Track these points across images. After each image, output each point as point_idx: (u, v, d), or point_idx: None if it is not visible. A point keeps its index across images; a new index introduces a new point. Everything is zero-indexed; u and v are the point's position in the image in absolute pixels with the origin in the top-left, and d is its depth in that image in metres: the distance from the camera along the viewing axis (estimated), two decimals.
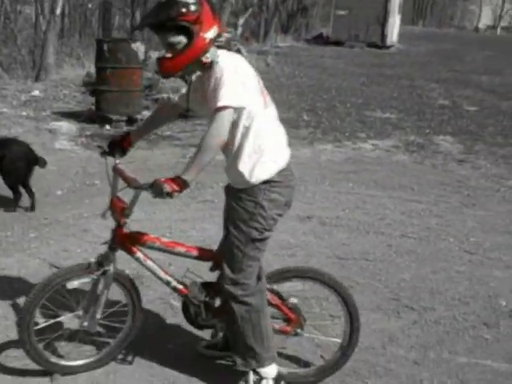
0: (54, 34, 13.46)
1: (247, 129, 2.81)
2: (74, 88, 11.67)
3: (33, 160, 5.96)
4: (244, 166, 2.85)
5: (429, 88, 14.93)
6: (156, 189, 2.64)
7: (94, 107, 9.60)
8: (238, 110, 2.71)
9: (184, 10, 2.66)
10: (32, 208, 5.85)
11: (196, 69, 2.82)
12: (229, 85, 2.64)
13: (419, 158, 8.92)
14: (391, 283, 4.57)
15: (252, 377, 3.10)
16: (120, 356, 3.38)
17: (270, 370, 3.09)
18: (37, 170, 6.88)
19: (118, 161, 3.06)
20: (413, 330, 3.95)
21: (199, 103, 2.96)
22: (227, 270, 2.95)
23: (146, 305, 3.94)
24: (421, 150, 9.31)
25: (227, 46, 2.88)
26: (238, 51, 16.54)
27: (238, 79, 2.68)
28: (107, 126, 9.03)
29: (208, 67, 2.76)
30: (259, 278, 3.04)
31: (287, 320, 3.29)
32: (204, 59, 2.74)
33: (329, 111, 11.71)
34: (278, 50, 20.34)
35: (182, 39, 2.70)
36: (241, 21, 20.65)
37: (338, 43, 23.83)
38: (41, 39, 14.03)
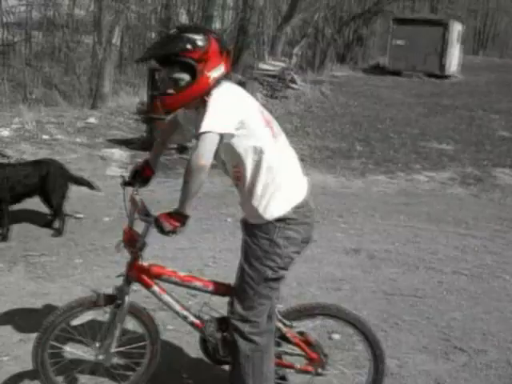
0: (111, 63, 13.80)
1: (258, 163, 2.70)
2: (128, 116, 11.87)
3: (71, 179, 6.05)
4: (257, 202, 2.75)
5: (488, 119, 14.54)
6: (158, 226, 2.60)
7: (145, 135, 9.71)
8: (222, 136, 2.57)
9: (189, 46, 2.58)
10: (60, 231, 5.88)
11: (197, 105, 2.74)
12: (214, 112, 2.55)
13: (476, 191, 8.63)
14: (440, 322, 4.35)
15: None
16: None
17: None
18: (87, 196, 6.99)
19: (135, 191, 2.99)
20: (462, 373, 3.73)
21: (188, 125, 2.91)
22: (237, 306, 2.84)
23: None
24: (478, 183, 9.02)
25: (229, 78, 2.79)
26: (293, 80, 16.58)
27: (226, 106, 2.59)
28: None
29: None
30: (270, 318, 2.92)
31: (309, 359, 3.15)
32: (205, 98, 2.66)
33: (383, 142, 11.53)
34: (334, 79, 20.27)
35: (185, 76, 2.63)
36: (296, 50, 20.71)
37: (395, 73, 23.60)
38: (98, 68, 14.39)
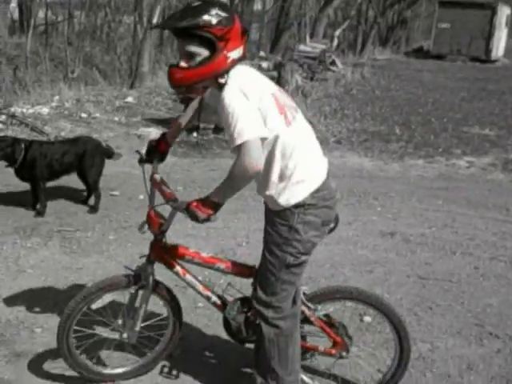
0: (150, 43, 13.82)
1: (271, 151, 2.60)
2: (166, 95, 11.88)
3: (108, 155, 6.10)
4: (274, 190, 2.67)
5: None
6: (191, 214, 2.55)
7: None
8: (262, 138, 2.48)
9: (214, 21, 2.44)
10: (96, 208, 5.93)
11: (209, 85, 2.65)
12: (243, 118, 2.40)
13: None
14: (475, 308, 4.26)
15: None
16: (165, 369, 3.31)
17: None
18: (122, 173, 7.04)
19: (155, 169, 2.95)
20: (495, 359, 3.64)
21: (211, 117, 2.88)
22: (260, 292, 2.81)
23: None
24: None
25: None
26: (333, 63, 16.39)
27: (250, 109, 2.45)
28: (194, 134, 9.11)
29: (222, 86, 2.55)
30: (294, 302, 2.87)
31: (332, 342, 3.11)
32: (220, 79, 2.56)
33: (423, 126, 11.30)
34: (375, 62, 19.97)
35: (203, 51, 2.49)
36: (337, 32, 20.44)
37: (438, 57, 23.15)
38: (138, 48, 14.43)
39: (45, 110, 9.65)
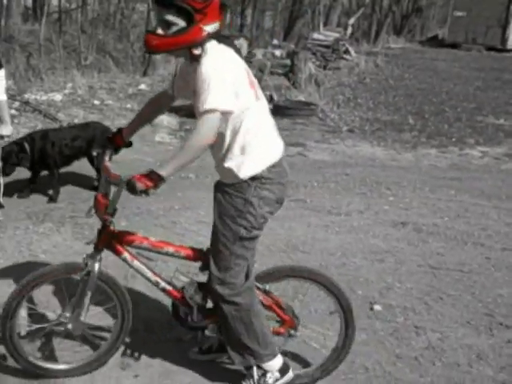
0: None
1: (237, 128, 2.69)
2: None
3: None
4: (232, 163, 2.73)
5: None
6: (130, 186, 2.55)
7: None
8: (226, 113, 2.58)
9: None
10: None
11: (182, 55, 2.72)
12: (216, 87, 2.51)
13: None
14: (486, 298, 4.24)
15: (256, 371, 2.98)
16: (129, 351, 3.28)
17: (274, 362, 2.97)
18: (135, 161, 7.06)
19: (107, 159, 2.96)
20: (505, 349, 3.63)
21: (183, 91, 2.88)
22: (214, 269, 2.84)
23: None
24: None
25: (228, 43, 2.74)
26: (347, 52, 16.30)
27: (225, 80, 2.55)
28: None
29: (196, 58, 2.62)
30: (247, 277, 2.90)
31: (280, 321, 3.14)
32: (194, 50, 2.61)
33: (436, 115, 11.23)
34: (389, 51, 19.80)
35: (179, 22, 2.56)
36: (351, 21, 20.27)
37: (453, 46, 22.90)
38: None
39: (58, 97, 9.70)
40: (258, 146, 2.73)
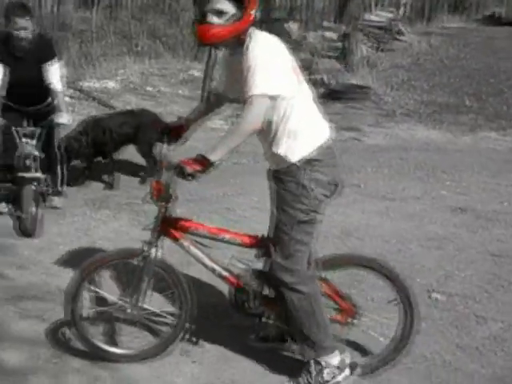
0: None
1: (283, 113, 2.69)
2: None
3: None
4: (280, 148, 2.74)
5: None
6: (178, 170, 2.57)
7: None
8: (274, 97, 2.59)
9: None
10: (144, 179, 5.95)
11: (233, 43, 2.70)
12: (264, 71, 2.53)
13: None
14: None
15: (314, 366, 2.94)
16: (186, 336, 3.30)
17: (332, 358, 2.93)
18: (189, 147, 7.08)
19: (165, 146, 3.00)
20: None
21: (230, 82, 2.88)
22: (276, 256, 2.83)
23: None
24: None
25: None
26: (400, 32, 15.93)
27: (273, 65, 2.56)
28: None
29: (242, 44, 2.64)
30: (309, 264, 2.90)
31: (339, 310, 3.11)
32: (243, 35, 2.63)
33: (495, 96, 10.85)
34: (444, 30, 19.23)
35: (230, 9, 2.57)
36: (405, 0, 19.82)
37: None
38: None
39: (111, 84, 9.83)
40: (304, 129, 2.74)
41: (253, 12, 2.62)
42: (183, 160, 2.60)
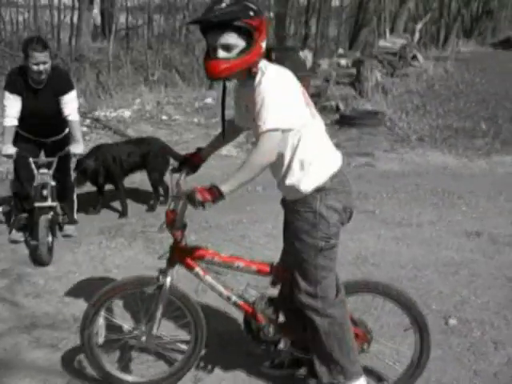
0: None
1: (296, 145, 2.71)
2: None
3: (173, 157, 6.19)
4: (293, 180, 2.75)
5: None
6: (190, 197, 2.56)
7: None
8: (286, 130, 2.60)
9: (252, 13, 2.56)
10: (153, 207, 6.03)
11: (238, 77, 2.72)
12: (276, 106, 2.53)
13: None
14: None
15: None
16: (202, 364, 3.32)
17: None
18: (203, 174, 7.13)
19: (182, 177, 3.00)
20: None
21: (241, 113, 2.90)
22: (303, 285, 2.82)
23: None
24: None
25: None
26: (415, 58, 15.99)
27: (285, 98, 2.57)
28: None
29: (254, 77, 2.65)
30: (338, 289, 2.90)
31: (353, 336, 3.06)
32: (253, 68, 2.64)
33: (511, 121, 10.81)
34: (459, 55, 19.31)
35: (240, 43, 2.58)
36: (419, 26, 19.91)
37: None
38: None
39: (127, 114, 9.94)
40: (316, 159, 2.75)
41: (263, 44, 2.64)
42: (196, 187, 2.60)
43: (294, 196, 2.80)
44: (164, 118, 9.89)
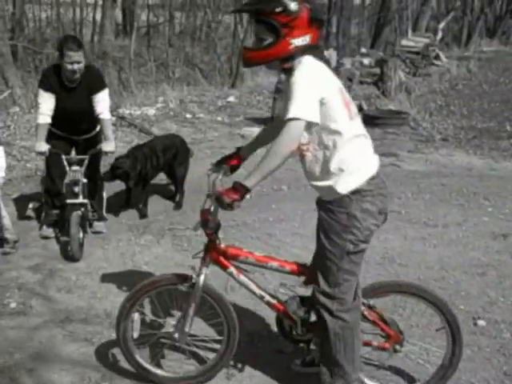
0: (251, 42, 13.90)
1: (332, 147, 2.73)
2: (267, 94, 11.96)
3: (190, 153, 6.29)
4: (331, 181, 2.76)
5: None
6: (219, 201, 2.61)
7: None
8: (317, 126, 2.63)
9: (279, 9, 2.61)
10: (180, 205, 6.09)
11: (274, 68, 2.83)
12: (301, 97, 2.55)
13: None
14: None
15: None
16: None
17: None
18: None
19: (220, 177, 3.01)
20: None
21: (281, 109, 2.92)
22: (323, 284, 2.85)
23: None
24: None
25: (318, 54, 2.76)
26: (437, 57, 15.91)
27: (312, 93, 2.58)
28: None
29: (289, 72, 2.69)
30: (356, 295, 2.91)
31: (386, 336, 3.12)
32: (284, 63, 2.71)
33: None
34: (482, 55, 19.16)
35: (268, 37, 2.66)
36: (442, 25, 19.79)
37: None
38: (238, 47, 14.63)
39: (151, 112, 10.01)
40: (354, 162, 2.76)
41: (294, 40, 2.65)
42: (220, 190, 2.65)
43: (329, 196, 2.81)
44: (188, 116, 9.95)
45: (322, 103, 2.62)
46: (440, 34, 18.50)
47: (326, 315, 2.86)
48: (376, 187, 2.79)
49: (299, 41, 2.67)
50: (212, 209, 2.83)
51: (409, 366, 3.36)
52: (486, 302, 4.21)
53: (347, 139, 2.73)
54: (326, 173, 2.78)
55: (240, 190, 2.58)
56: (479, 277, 4.61)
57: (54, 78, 4.81)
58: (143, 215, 5.80)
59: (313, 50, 2.73)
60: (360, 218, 2.75)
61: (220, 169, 3.09)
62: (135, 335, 3.13)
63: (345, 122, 2.72)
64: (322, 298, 2.85)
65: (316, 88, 2.61)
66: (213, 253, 3.00)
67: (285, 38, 2.65)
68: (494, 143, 9.23)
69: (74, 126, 5.01)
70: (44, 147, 4.78)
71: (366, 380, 3.18)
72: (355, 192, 2.75)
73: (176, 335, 3.11)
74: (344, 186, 2.75)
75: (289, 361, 3.40)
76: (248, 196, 2.63)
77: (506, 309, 4.13)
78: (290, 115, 2.53)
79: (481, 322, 3.94)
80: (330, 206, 2.81)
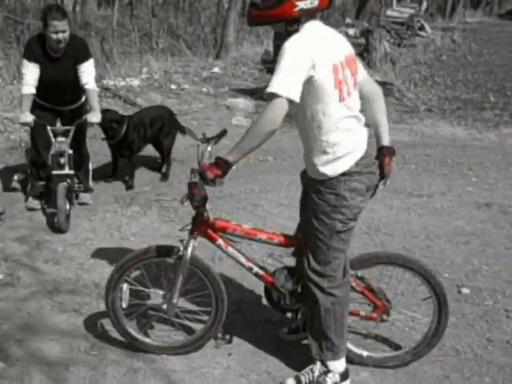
0: (236, 12, 13.76)
1: (321, 124, 2.68)
2: (252, 65, 11.85)
3: (177, 127, 6.26)
4: (319, 161, 2.75)
5: None
6: (202, 176, 2.61)
7: None
8: (293, 102, 2.51)
9: None
10: (167, 176, 6.09)
11: (279, 30, 2.71)
12: (285, 71, 2.49)
13: None
14: None
15: (319, 367, 3.00)
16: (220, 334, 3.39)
17: (340, 365, 2.99)
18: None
19: (209, 149, 2.94)
20: None
21: None
22: (313, 263, 2.86)
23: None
24: None
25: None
26: (422, 28, 15.86)
27: (298, 68, 2.50)
28: None
29: (289, 35, 2.62)
30: (345, 270, 2.94)
31: (373, 306, 3.17)
32: (289, 26, 2.63)
33: None
34: (466, 26, 19.14)
35: None
36: None
37: None
38: (223, 18, 14.46)
39: (135, 82, 9.89)
40: (343, 147, 2.72)
41: (299, 3, 2.55)
42: (203, 166, 2.65)
43: (317, 176, 2.80)
44: (173, 87, 9.85)
45: (310, 82, 2.55)
46: (425, 5, 18.40)
47: (317, 292, 2.88)
48: (364, 167, 2.77)
49: (307, 3, 2.58)
50: (198, 182, 2.84)
51: (395, 334, 3.42)
52: (469, 270, 4.28)
53: (335, 121, 2.67)
54: (316, 152, 2.76)
55: (222, 165, 2.57)
56: (463, 245, 4.68)
57: (38, 48, 4.73)
58: (129, 187, 5.77)
59: (316, 12, 2.64)
60: (348, 197, 2.75)
61: (210, 140, 3.04)
62: (124, 305, 3.15)
63: (334, 103, 2.64)
64: (313, 276, 2.87)
65: (304, 64, 2.52)
66: (200, 226, 3.00)
67: (288, 0, 2.57)
68: (477, 114, 9.28)
69: (59, 97, 4.95)
70: (29, 118, 4.73)
71: (353, 348, 3.21)
72: (344, 174, 2.74)
73: (164, 306, 3.12)
74: (332, 169, 2.74)
75: (277, 329, 3.45)
76: (234, 167, 2.63)
77: (489, 277, 4.20)
78: (271, 89, 2.48)
79: (465, 290, 4.00)
80: (318, 186, 2.80)
